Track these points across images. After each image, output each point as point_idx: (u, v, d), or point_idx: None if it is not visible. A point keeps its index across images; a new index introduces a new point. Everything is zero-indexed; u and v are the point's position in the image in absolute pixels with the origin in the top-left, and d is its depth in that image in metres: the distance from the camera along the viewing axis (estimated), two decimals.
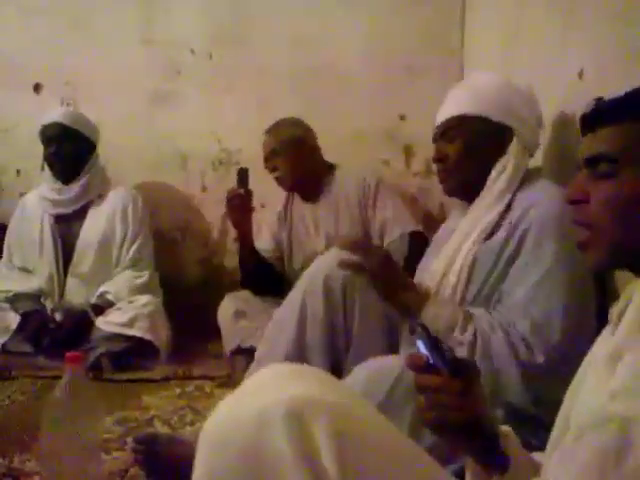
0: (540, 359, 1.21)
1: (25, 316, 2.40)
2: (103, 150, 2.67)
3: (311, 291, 1.52)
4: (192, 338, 2.54)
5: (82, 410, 1.30)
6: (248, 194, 2.18)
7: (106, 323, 2.36)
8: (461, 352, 1.22)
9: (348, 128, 2.77)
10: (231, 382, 2.08)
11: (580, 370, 0.82)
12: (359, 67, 2.80)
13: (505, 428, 0.83)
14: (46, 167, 2.57)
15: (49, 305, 2.52)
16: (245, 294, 2.37)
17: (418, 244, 2.14)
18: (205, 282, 2.93)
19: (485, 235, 1.36)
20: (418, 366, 0.76)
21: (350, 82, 2.79)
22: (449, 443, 0.81)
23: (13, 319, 2.39)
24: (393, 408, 1.13)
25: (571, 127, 1.49)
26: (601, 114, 0.77)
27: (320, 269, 1.53)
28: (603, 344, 0.78)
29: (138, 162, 2.87)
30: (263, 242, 2.44)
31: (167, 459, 1.38)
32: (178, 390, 2.11)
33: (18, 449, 1.60)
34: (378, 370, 1.23)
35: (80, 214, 2.59)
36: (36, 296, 2.53)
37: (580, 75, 1.47)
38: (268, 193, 2.53)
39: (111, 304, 2.45)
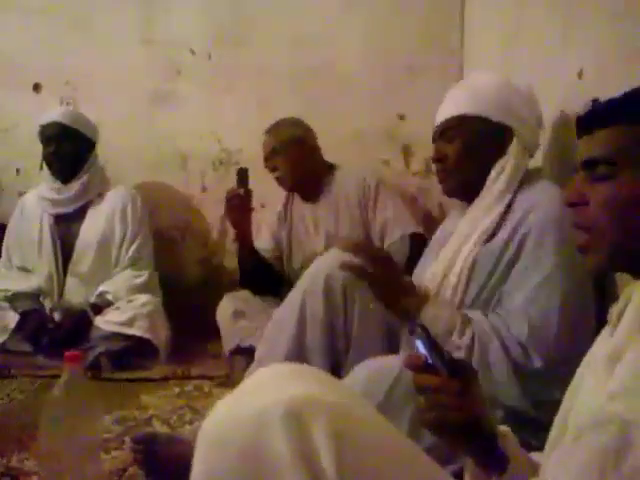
0: (538, 363, 1.21)
1: (24, 315, 2.40)
2: (103, 150, 2.67)
3: (311, 291, 1.52)
4: (191, 338, 2.54)
5: (81, 409, 1.30)
6: (248, 194, 2.18)
7: (105, 322, 2.36)
8: (459, 356, 1.22)
9: (348, 128, 2.77)
10: (230, 382, 2.08)
11: (579, 371, 0.83)
12: (359, 67, 2.80)
13: (504, 428, 0.83)
14: (45, 167, 2.57)
15: (48, 304, 2.51)
16: (244, 294, 2.37)
17: (419, 245, 2.13)
18: (204, 282, 2.93)
19: (485, 237, 1.35)
20: (417, 366, 0.76)
21: (350, 82, 2.79)
22: (448, 443, 0.81)
23: (12, 318, 2.39)
24: (392, 408, 1.13)
25: (571, 127, 1.48)
26: (597, 116, 0.77)
27: (320, 269, 1.53)
28: (602, 345, 0.78)
29: (138, 162, 2.87)
30: (263, 242, 2.44)
31: (166, 458, 1.38)
32: (177, 389, 2.11)
33: (17, 448, 1.60)
34: (377, 370, 1.23)
35: (79, 214, 2.59)
36: (35, 295, 2.53)
37: (580, 75, 1.47)
38: (268, 193, 2.53)
39: (110, 303, 2.45)
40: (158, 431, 1.72)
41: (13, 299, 2.49)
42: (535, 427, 1.09)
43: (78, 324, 2.37)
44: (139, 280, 2.54)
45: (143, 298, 2.46)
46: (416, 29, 2.78)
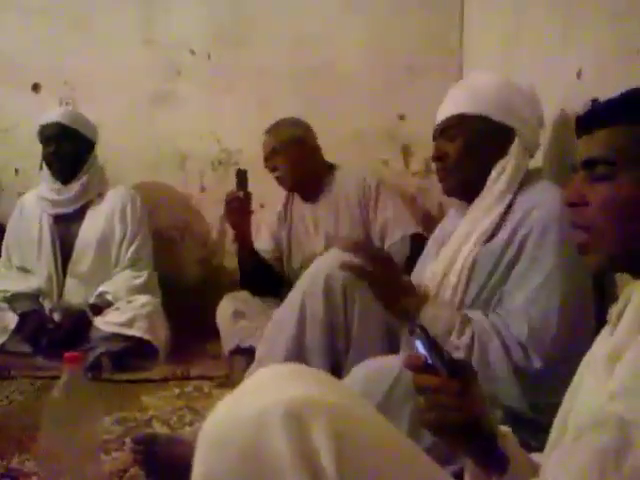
0: (538, 364, 1.21)
1: (23, 316, 2.40)
2: (102, 150, 2.67)
3: (311, 291, 1.52)
4: (191, 338, 2.54)
5: (81, 410, 1.30)
6: (247, 197, 2.18)
7: (105, 323, 2.36)
8: (458, 356, 1.22)
9: (347, 128, 2.77)
10: (230, 382, 2.08)
11: (579, 371, 0.83)
12: (359, 67, 2.80)
13: (504, 428, 0.83)
14: (45, 167, 2.57)
15: (48, 305, 2.51)
16: (244, 294, 2.37)
17: (419, 246, 2.13)
18: (204, 282, 2.92)
19: (485, 237, 1.35)
20: (416, 366, 0.76)
21: (350, 82, 2.79)
22: (448, 444, 0.81)
23: (11, 319, 2.39)
24: (392, 408, 1.13)
25: (570, 127, 1.48)
26: (597, 116, 0.77)
27: (320, 269, 1.53)
28: (602, 344, 0.78)
29: (137, 162, 2.87)
30: (262, 242, 2.44)
31: (166, 459, 1.38)
32: (177, 390, 2.11)
33: (17, 449, 1.60)
34: (377, 370, 1.23)
35: (79, 214, 2.59)
36: (34, 296, 2.52)
37: (579, 75, 1.47)
38: (267, 193, 2.53)
39: (110, 304, 2.45)
40: (158, 432, 1.72)
41: (12, 300, 2.48)
42: (534, 428, 1.09)
43: (78, 325, 2.37)
44: (139, 281, 2.54)
45: (143, 299, 2.46)
46: (416, 29, 2.78)
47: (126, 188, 2.67)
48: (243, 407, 0.77)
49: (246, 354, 2.08)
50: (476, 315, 1.28)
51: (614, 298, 0.78)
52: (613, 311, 0.75)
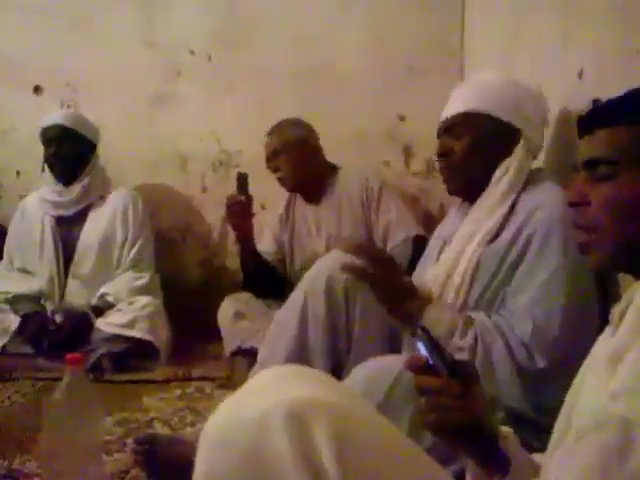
0: (541, 363, 1.21)
1: (25, 318, 2.40)
2: (103, 152, 2.67)
3: (313, 292, 1.52)
4: (192, 339, 2.54)
5: (82, 411, 1.30)
6: (248, 200, 2.18)
7: (106, 324, 2.36)
8: (461, 358, 1.21)
9: (348, 129, 2.76)
10: (231, 383, 2.07)
11: (580, 371, 0.82)
12: (359, 67, 2.80)
13: (505, 429, 0.83)
14: (46, 169, 2.57)
15: (49, 307, 2.51)
16: (245, 296, 2.37)
17: (421, 248, 2.13)
18: (205, 283, 2.92)
19: (489, 238, 1.35)
20: (418, 367, 0.76)
21: (350, 82, 2.79)
22: (449, 445, 0.81)
23: (13, 321, 2.39)
24: (392, 408, 1.13)
25: (572, 127, 1.48)
26: (599, 116, 0.77)
27: (322, 270, 1.53)
28: (604, 345, 0.78)
29: (138, 163, 2.87)
30: (265, 244, 2.44)
31: (167, 460, 1.38)
32: (178, 391, 2.10)
33: (18, 450, 1.60)
34: (377, 370, 1.23)
35: (81, 216, 2.59)
36: (36, 297, 2.53)
37: (580, 75, 1.47)
38: (269, 194, 2.53)
39: (111, 305, 2.45)
40: (159, 433, 1.72)
41: (14, 301, 2.48)
42: (536, 428, 1.09)
43: (79, 326, 2.37)
44: (140, 282, 2.54)
45: (144, 300, 2.46)
46: (416, 29, 2.78)
47: (128, 190, 2.67)
48: (245, 408, 0.77)
49: (247, 355, 2.08)
50: (479, 316, 1.28)
51: (617, 298, 0.78)
52: (615, 311, 0.75)
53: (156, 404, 1.98)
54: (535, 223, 1.29)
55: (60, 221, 2.59)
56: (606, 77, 1.34)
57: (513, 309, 1.27)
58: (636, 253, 0.74)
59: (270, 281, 2.35)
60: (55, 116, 2.53)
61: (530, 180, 1.39)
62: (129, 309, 2.41)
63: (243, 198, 2.16)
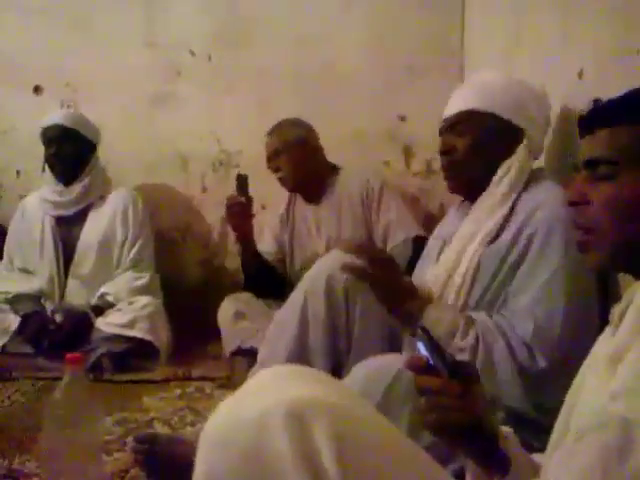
0: (542, 363, 1.21)
1: (25, 318, 2.40)
2: (103, 152, 2.67)
3: (313, 292, 1.52)
4: (192, 339, 2.54)
5: (82, 411, 1.30)
6: (248, 201, 2.18)
7: (106, 324, 2.36)
8: (462, 358, 1.21)
9: (348, 129, 2.76)
10: (231, 383, 2.07)
11: (581, 371, 0.82)
12: (359, 67, 2.80)
13: (506, 429, 0.83)
14: (47, 169, 2.58)
15: (49, 306, 2.51)
16: (245, 296, 2.37)
17: (421, 249, 2.13)
18: (205, 283, 2.92)
19: (490, 238, 1.35)
20: (418, 367, 0.76)
21: (350, 82, 2.79)
22: (449, 445, 0.81)
23: (13, 320, 2.39)
24: (391, 407, 1.13)
25: (572, 127, 1.49)
26: (599, 116, 0.77)
27: (322, 270, 1.53)
28: (604, 345, 0.78)
29: (138, 163, 2.87)
30: (265, 245, 2.44)
31: (167, 459, 1.38)
32: (178, 391, 2.10)
33: (18, 450, 1.60)
34: (376, 369, 1.23)
35: (81, 216, 2.59)
36: (36, 297, 2.52)
37: (580, 75, 1.47)
38: (269, 194, 2.53)
39: (111, 305, 2.45)
40: (159, 432, 1.72)
41: (14, 301, 2.48)
42: (536, 428, 1.09)
43: (79, 326, 2.37)
44: (140, 282, 2.54)
45: (144, 300, 2.46)
46: (416, 29, 2.78)
47: (128, 190, 2.67)
48: (245, 408, 0.77)
49: (247, 355, 2.08)
50: (480, 316, 1.28)
51: (617, 298, 0.78)
52: (615, 311, 0.75)
53: (156, 404, 1.98)
54: (536, 223, 1.29)
55: (60, 221, 2.59)
56: (606, 77, 1.34)
57: (514, 309, 1.27)
58: (636, 253, 0.74)
59: (271, 281, 2.35)
60: (55, 116, 2.54)
61: (531, 180, 1.38)
62: (129, 309, 2.41)
63: (243, 199, 2.17)
